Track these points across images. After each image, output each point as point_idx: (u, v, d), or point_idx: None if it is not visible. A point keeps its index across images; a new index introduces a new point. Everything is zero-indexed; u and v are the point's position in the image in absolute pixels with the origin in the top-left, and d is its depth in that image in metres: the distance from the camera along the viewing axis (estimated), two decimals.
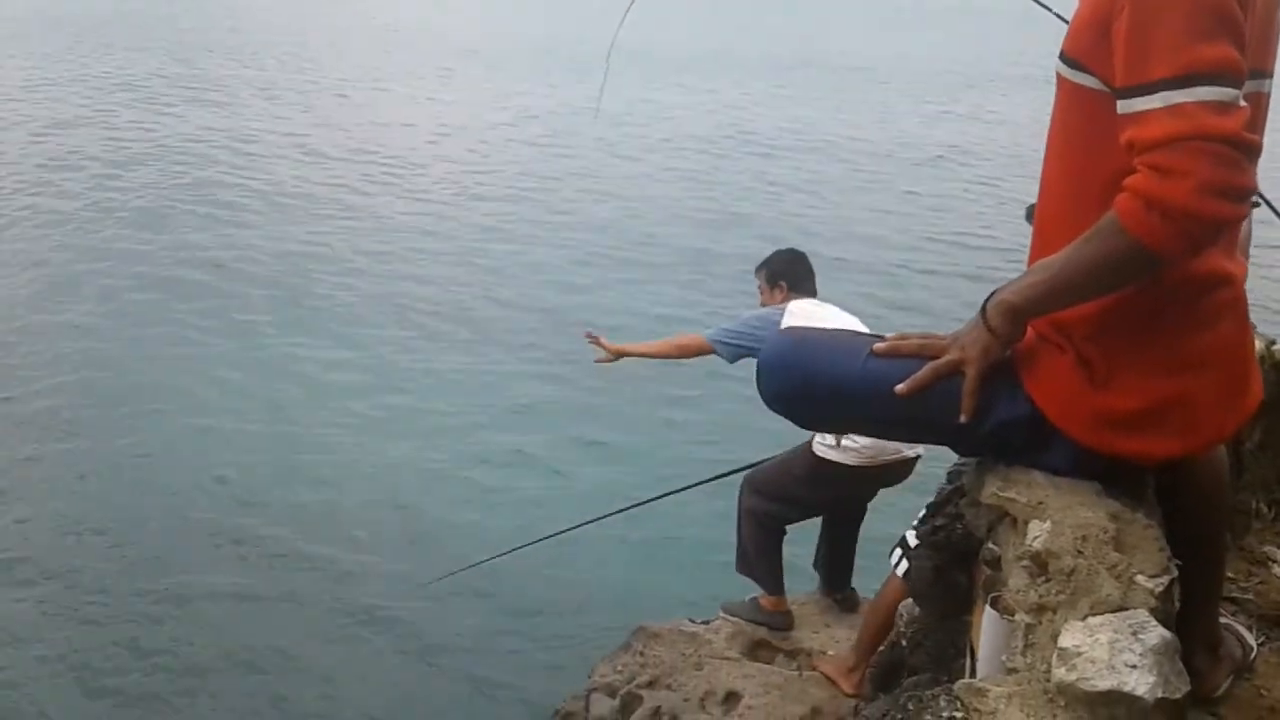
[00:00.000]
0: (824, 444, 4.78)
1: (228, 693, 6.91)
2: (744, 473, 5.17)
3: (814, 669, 4.82)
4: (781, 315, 4.78)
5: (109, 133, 21.45)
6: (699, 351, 4.95)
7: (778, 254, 5.23)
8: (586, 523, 5.85)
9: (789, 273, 5.09)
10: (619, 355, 5.24)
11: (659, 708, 4.64)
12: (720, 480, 5.46)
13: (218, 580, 7.95)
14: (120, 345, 11.85)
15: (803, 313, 4.79)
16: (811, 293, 5.06)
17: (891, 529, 4.52)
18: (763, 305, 5.11)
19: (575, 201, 18.22)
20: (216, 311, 12.89)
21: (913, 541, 4.27)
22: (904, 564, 4.34)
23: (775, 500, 4.97)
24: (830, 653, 4.99)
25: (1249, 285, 2.06)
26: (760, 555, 5.08)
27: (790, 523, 5.06)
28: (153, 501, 8.95)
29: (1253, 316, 2.10)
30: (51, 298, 13.06)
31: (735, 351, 4.76)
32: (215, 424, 10.22)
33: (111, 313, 12.71)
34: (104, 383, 10.91)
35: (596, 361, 5.35)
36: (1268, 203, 4.59)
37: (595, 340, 5.29)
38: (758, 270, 5.21)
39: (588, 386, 10.67)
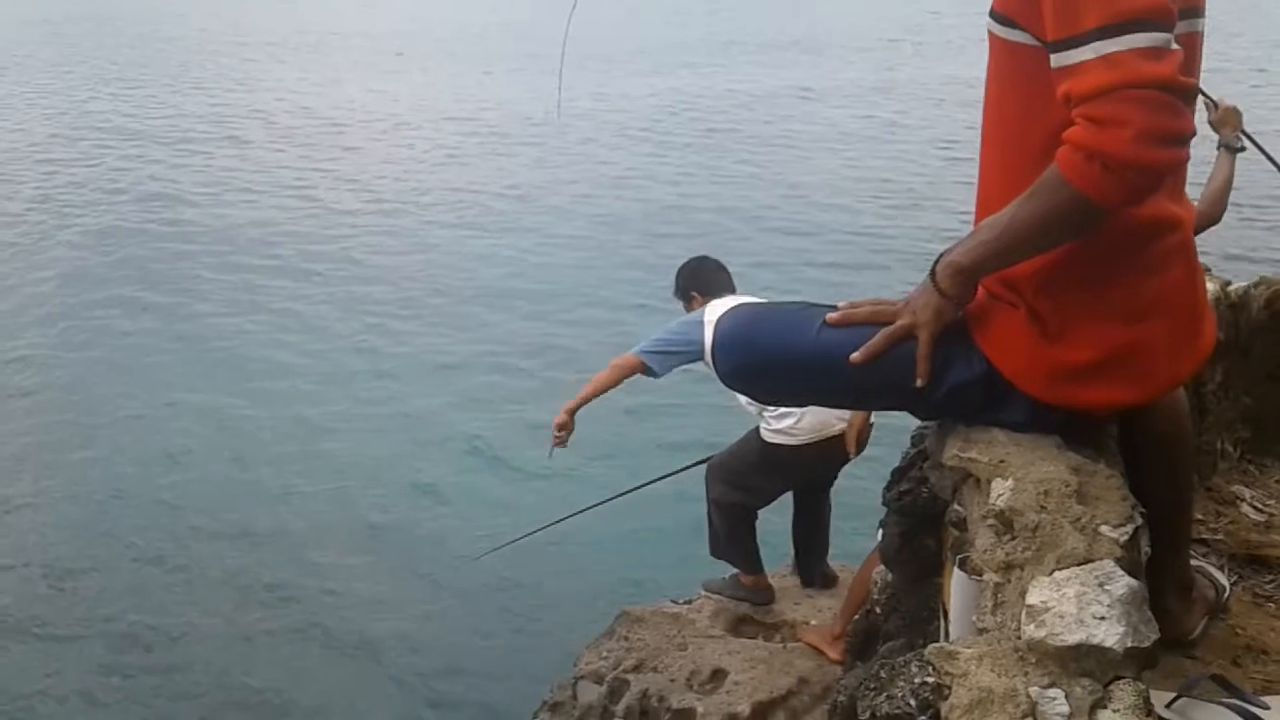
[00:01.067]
0: (769, 429, 4.77)
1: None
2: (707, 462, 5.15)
3: (799, 640, 4.83)
4: (701, 317, 4.61)
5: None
6: (633, 370, 4.69)
7: (681, 269, 5.13)
8: (562, 519, 5.85)
9: (698, 282, 5.01)
10: (571, 415, 4.80)
11: (646, 690, 4.64)
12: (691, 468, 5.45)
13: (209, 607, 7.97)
14: (71, 369, 11.75)
15: (723, 306, 4.65)
16: (729, 289, 4.96)
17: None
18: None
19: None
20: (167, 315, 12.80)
21: None
22: None
23: (738, 489, 4.97)
24: (813, 622, 5.00)
25: (1233, 234, 2.07)
26: (732, 540, 5.08)
27: (756, 508, 5.05)
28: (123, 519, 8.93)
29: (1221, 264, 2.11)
30: None
31: (665, 361, 4.59)
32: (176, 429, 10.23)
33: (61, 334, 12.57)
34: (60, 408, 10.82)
35: (555, 447, 4.92)
36: (1265, 152, 4.61)
37: (557, 438, 4.90)
38: (674, 294, 5.13)
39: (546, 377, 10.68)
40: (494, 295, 13.45)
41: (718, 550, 5.17)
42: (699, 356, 4.39)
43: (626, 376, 4.73)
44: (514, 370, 11.39)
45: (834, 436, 4.75)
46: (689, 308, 4.97)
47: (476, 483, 9.43)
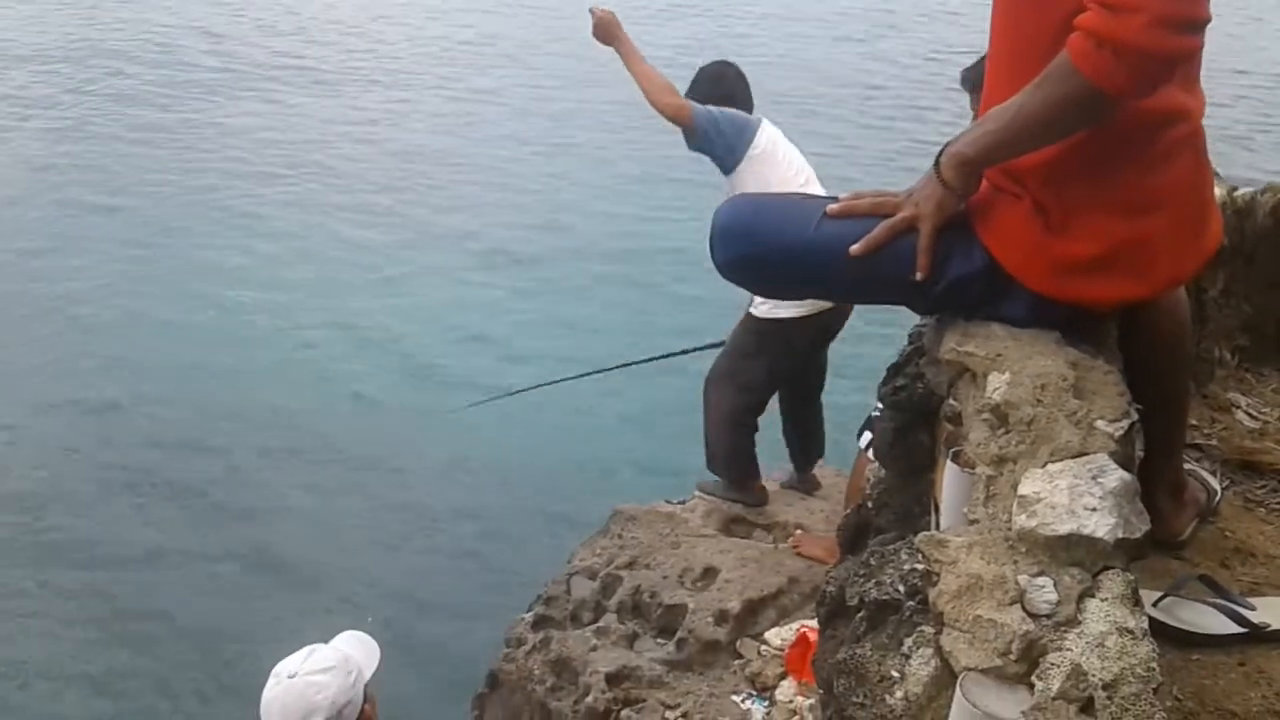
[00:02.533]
0: (762, 305, 4.67)
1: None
2: (703, 352, 5.11)
3: (798, 552, 4.80)
4: (757, 130, 4.48)
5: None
6: (672, 112, 4.40)
7: (705, 75, 4.77)
8: (552, 382, 5.85)
9: (722, 93, 4.66)
10: (615, 45, 4.51)
11: (639, 586, 4.69)
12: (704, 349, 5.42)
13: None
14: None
15: (770, 143, 4.53)
16: (750, 107, 4.69)
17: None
18: None
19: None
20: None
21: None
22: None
23: (739, 390, 4.90)
24: (804, 529, 5.00)
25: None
26: (729, 453, 5.05)
27: (757, 408, 5.00)
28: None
29: None
30: None
31: (704, 135, 4.40)
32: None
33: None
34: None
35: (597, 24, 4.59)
36: None
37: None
38: (685, 96, 4.64)
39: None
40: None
41: (714, 463, 5.12)
42: (734, 155, 4.37)
43: (658, 108, 4.41)
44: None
45: (824, 310, 4.63)
46: None
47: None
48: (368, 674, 2.96)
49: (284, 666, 2.89)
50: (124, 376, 9.46)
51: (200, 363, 9.69)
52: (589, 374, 6.08)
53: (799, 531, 4.98)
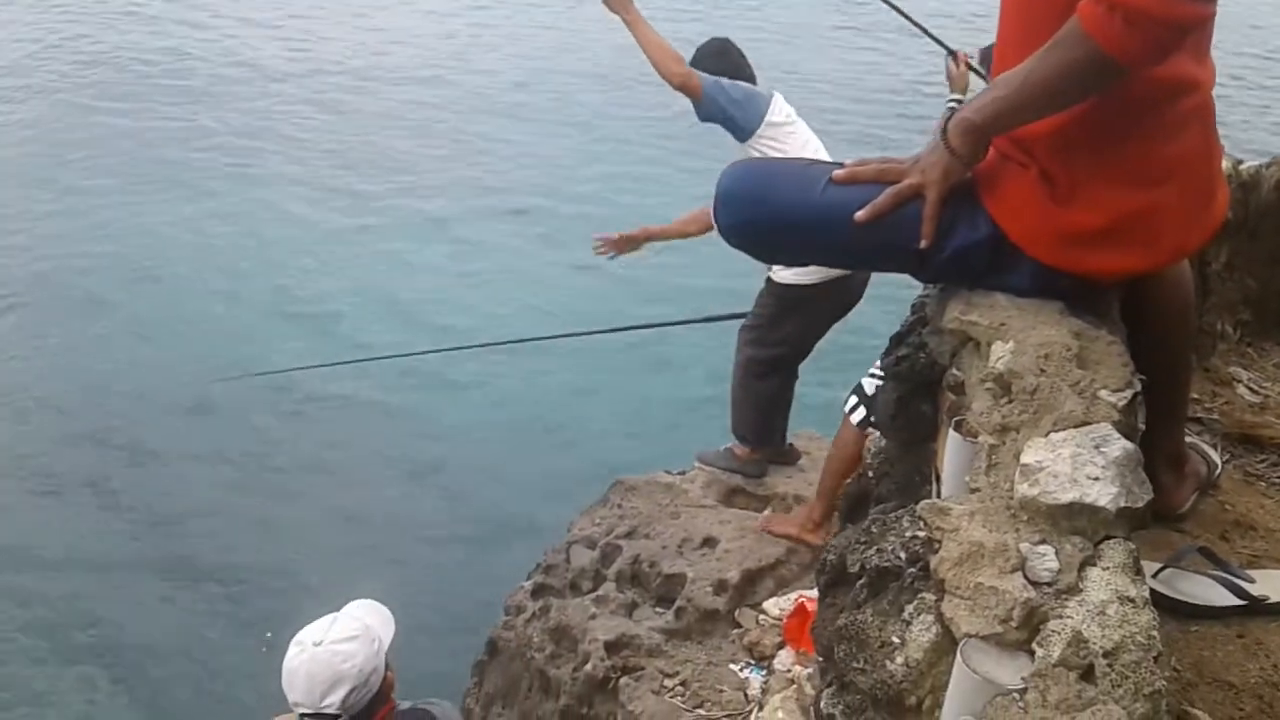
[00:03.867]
0: (780, 272, 4.68)
1: None
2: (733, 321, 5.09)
3: (769, 533, 4.75)
4: (771, 99, 4.49)
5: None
6: (679, 81, 4.40)
7: (707, 51, 4.74)
8: (560, 335, 5.82)
9: (727, 67, 4.65)
10: (624, 14, 4.54)
11: (638, 556, 4.71)
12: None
13: None
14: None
15: (787, 112, 4.53)
16: (752, 80, 4.70)
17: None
18: None
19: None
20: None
21: (869, 388, 4.25)
22: (859, 411, 4.32)
23: (766, 345, 4.87)
24: (767, 512, 4.98)
25: None
26: (750, 406, 5.02)
27: (778, 368, 4.95)
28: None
29: None
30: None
31: (712, 103, 4.42)
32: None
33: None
34: None
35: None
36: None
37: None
38: None
39: None
40: None
41: (737, 425, 5.09)
42: (746, 125, 4.36)
43: (674, 75, 4.42)
44: None
45: (846, 277, 4.61)
46: None
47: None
48: (386, 642, 2.93)
49: (307, 634, 2.84)
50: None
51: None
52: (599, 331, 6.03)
53: (766, 513, 4.95)
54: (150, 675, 6.53)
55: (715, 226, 2.12)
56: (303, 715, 2.79)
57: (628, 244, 5.08)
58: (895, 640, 1.59)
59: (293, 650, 2.83)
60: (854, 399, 4.35)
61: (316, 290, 10.59)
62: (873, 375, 4.27)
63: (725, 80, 4.49)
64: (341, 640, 2.81)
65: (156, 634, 6.80)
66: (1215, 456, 2.49)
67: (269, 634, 5.94)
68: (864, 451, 4.52)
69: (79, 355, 9.52)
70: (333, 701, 2.75)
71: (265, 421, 8.62)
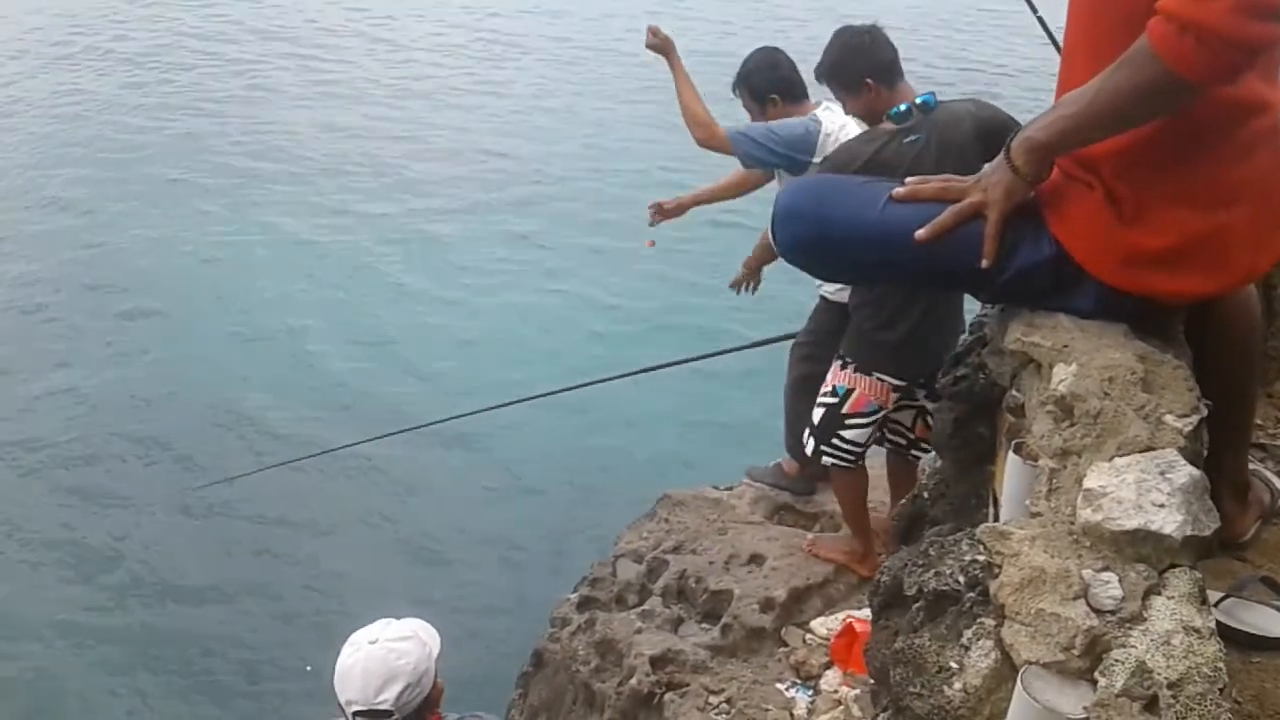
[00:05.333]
0: (832, 289, 4.57)
1: None
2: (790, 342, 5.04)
3: (815, 555, 4.66)
4: (818, 131, 4.31)
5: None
6: (707, 145, 4.41)
7: (756, 67, 4.60)
8: (597, 381, 5.78)
9: (778, 83, 4.53)
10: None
11: (684, 571, 4.69)
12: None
13: None
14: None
15: (834, 137, 4.32)
16: (805, 94, 4.57)
17: None
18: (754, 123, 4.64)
19: None
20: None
21: (815, 418, 4.23)
22: (810, 443, 4.28)
23: (818, 363, 4.66)
24: (810, 536, 4.88)
25: None
26: (802, 423, 4.93)
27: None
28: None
29: None
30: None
31: (748, 156, 4.38)
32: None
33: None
34: None
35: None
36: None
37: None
38: (736, 86, 4.63)
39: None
40: None
41: (793, 443, 4.95)
42: (799, 165, 4.25)
43: (702, 141, 4.44)
44: None
45: None
46: (758, 111, 4.57)
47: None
48: (435, 652, 2.96)
49: (362, 635, 2.88)
50: None
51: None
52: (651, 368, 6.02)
53: (810, 536, 4.90)
54: (191, 698, 6.56)
55: (772, 245, 2.11)
56: (356, 714, 2.81)
57: (677, 210, 5.09)
58: (953, 665, 1.57)
59: (347, 650, 2.87)
60: (805, 431, 4.31)
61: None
62: (818, 403, 4.24)
63: (759, 127, 4.40)
64: (397, 639, 2.86)
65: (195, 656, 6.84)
66: (1278, 484, 2.44)
67: (309, 667, 5.96)
68: (898, 474, 4.50)
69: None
70: (387, 698, 2.77)
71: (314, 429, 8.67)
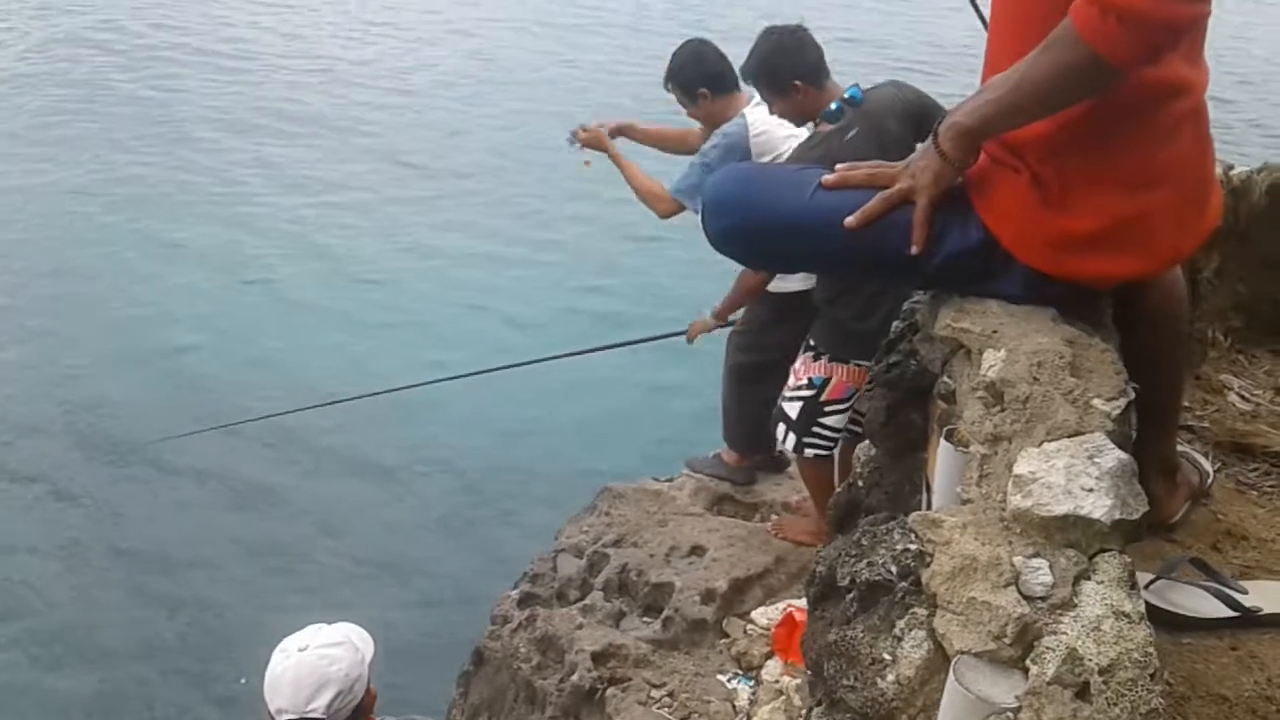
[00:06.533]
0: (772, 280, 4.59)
1: None
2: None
3: (781, 537, 4.69)
4: (746, 135, 4.32)
5: None
6: (662, 212, 4.57)
7: (684, 60, 4.59)
8: (532, 361, 5.77)
9: (706, 76, 4.54)
10: (607, 143, 4.83)
11: (625, 565, 4.66)
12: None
13: None
14: None
15: (763, 123, 4.34)
16: (735, 85, 4.52)
17: None
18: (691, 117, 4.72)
19: None
20: None
21: (791, 413, 4.23)
22: (791, 437, 4.27)
23: (755, 352, 4.81)
24: (775, 517, 4.92)
25: None
26: (739, 413, 4.97)
27: (773, 374, 4.72)
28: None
29: None
30: None
31: (696, 200, 4.20)
32: None
33: None
34: None
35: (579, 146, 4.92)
36: None
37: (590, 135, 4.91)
38: (666, 83, 4.65)
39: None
40: None
41: (728, 431, 5.05)
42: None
43: (658, 211, 4.59)
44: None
45: None
46: (691, 106, 4.62)
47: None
48: (368, 658, 2.91)
49: (291, 642, 2.84)
50: None
51: None
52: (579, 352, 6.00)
53: (775, 517, 4.91)
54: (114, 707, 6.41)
55: (704, 232, 2.08)
56: None
57: (602, 140, 4.88)
58: (886, 657, 1.55)
59: (277, 658, 2.82)
60: (782, 427, 4.30)
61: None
62: (790, 398, 4.24)
63: (689, 170, 4.44)
64: (327, 645, 2.82)
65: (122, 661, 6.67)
66: (1207, 465, 2.46)
67: (243, 680, 5.86)
68: (851, 461, 4.50)
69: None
70: (318, 705, 2.73)
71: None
